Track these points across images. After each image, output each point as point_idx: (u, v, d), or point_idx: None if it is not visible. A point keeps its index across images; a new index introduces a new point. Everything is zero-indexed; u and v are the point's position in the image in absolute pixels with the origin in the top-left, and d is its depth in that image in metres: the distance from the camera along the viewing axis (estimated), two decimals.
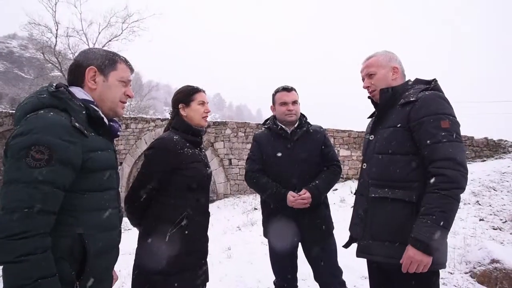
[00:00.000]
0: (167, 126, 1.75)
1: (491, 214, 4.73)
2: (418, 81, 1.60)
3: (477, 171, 6.73)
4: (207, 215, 1.69)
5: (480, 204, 5.11)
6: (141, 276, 1.52)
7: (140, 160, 11.80)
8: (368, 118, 1.79)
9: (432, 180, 1.33)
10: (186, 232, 1.52)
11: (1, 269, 0.93)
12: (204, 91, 1.75)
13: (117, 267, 1.34)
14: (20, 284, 0.90)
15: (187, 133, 1.66)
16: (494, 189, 5.66)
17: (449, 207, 1.30)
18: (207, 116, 1.73)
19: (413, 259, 1.29)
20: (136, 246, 1.58)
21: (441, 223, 1.28)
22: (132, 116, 12.24)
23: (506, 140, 8.57)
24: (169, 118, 1.79)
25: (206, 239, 1.67)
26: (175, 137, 1.61)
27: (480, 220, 4.54)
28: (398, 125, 1.47)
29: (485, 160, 8.11)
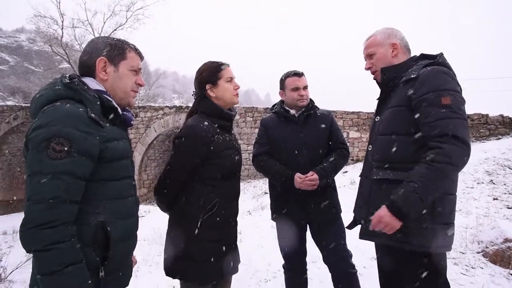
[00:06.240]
0: (192, 109, 1.63)
1: (505, 193, 4.66)
2: (423, 56, 1.53)
3: (492, 149, 6.58)
4: (237, 200, 1.67)
5: (494, 183, 5.02)
6: (172, 261, 1.52)
7: (150, 148, 11.99)
8: (377, 99, 1.76)
9: (427, 152, 1.30)
10: (218, 219, 1.51)
11: (32, 256, 0.98)
12: (229, 65, 1.61)
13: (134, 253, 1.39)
14: (51, 270, 0.95)
15: (218, 117, 1.56)
16: (509, 168, 5.53)
17: (433, 180, 1.25)
18: (237, 93, 1.61)
19: (382, 219, 1.31)
20: (167, 230, 1.60)
21: (418, 193, 1.25)
22: (140, 105, 12.35)
23: None
24: (193, 100, 1.65)
25: (235, 224, 1.65)
26: (205, 123, 1.51)
27: (494, 199, 4.49)
28: (400, 105, 1.43)
29: (500, 138, 7.91)
